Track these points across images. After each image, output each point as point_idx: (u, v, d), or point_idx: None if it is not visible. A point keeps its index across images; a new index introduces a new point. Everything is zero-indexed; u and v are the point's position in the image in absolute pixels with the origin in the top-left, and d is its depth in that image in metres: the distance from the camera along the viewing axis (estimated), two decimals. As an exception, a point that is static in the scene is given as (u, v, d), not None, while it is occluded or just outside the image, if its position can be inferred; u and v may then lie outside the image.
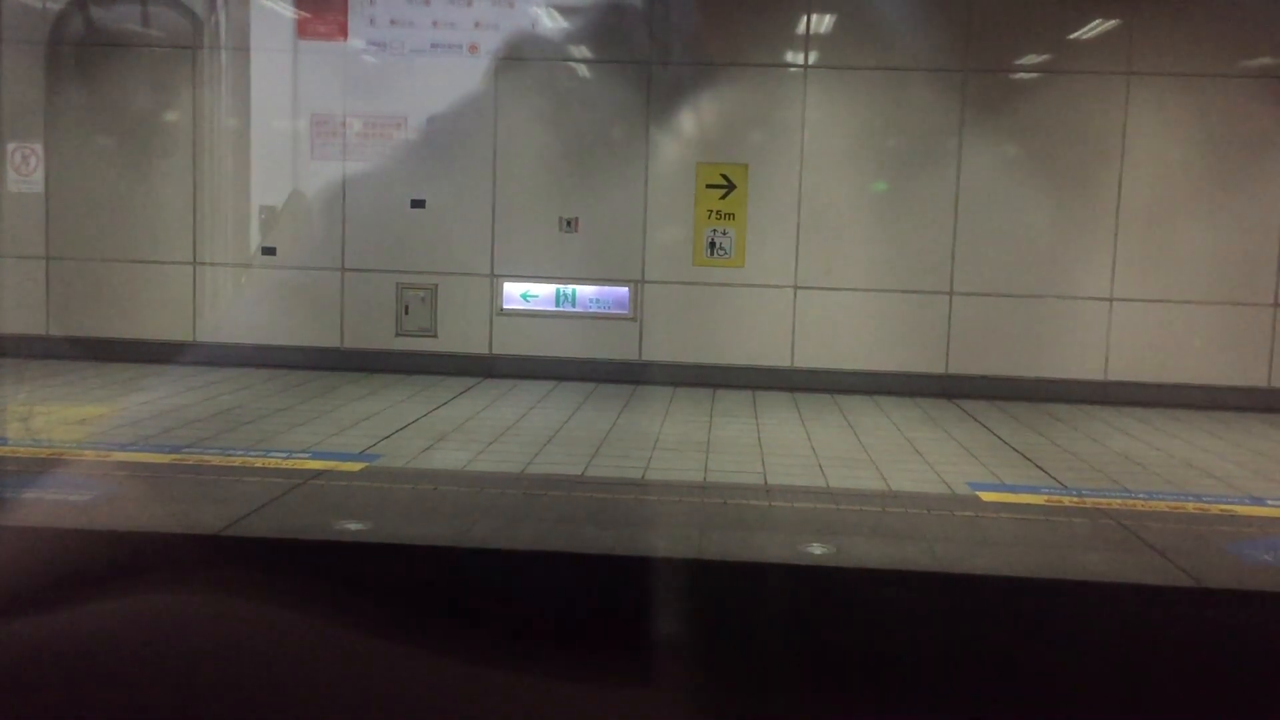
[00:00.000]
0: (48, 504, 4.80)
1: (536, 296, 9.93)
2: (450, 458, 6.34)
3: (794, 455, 6.72)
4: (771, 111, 9.66)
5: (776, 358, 9.79)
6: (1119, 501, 5.69)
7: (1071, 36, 9.43)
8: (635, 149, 9.74)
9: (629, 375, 9.77)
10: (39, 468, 5.61)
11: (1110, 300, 9.53)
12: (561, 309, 9.92)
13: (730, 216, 9.72)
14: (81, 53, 9.87)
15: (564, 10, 9.75)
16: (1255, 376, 9.45)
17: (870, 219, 9.65)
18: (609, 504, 5.28)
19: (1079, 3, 9.37)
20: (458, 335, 9.97)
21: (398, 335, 9.99)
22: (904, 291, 9.67)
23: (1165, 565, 4.44)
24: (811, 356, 9.75)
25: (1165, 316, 9.49)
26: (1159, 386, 9.46)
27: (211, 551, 4.30)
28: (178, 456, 5.97)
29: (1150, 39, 9.30)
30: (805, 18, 9.55)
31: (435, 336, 9.98)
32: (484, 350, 9.97)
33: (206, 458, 5.97)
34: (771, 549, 4.58)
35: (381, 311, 9.98)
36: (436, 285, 9.94)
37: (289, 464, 5.90)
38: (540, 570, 4.13)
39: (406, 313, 9.97)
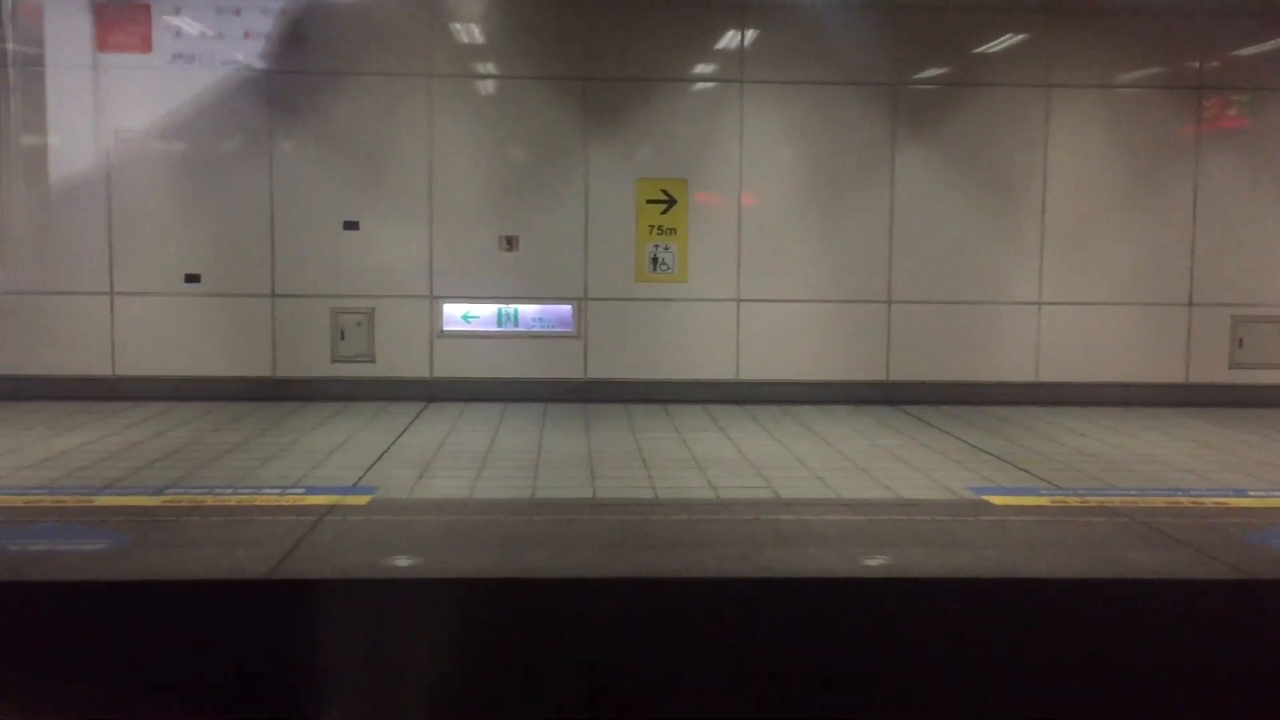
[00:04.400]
0: (63, 556, 4.47)
1: (478, 317, 9.75)
2: (448, 486, 6.16)
3: (785, 468, 6.75)
4: (709, 126, 9.72)
5: (721, 371, 9.83)
6: (1118, 499, 5.89)
7: (994, 50, 9.77)
8: (574, 165, 9.66)
9: (574, 394, 9.67)
10: (24, 517, 5.22)
11: (1039, 304, 9.88)
12: (504, 329, 9.76)
13: (672, 231, 9.73)
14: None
15: (499, 26, 9.60)
16: (1173, 373, 9.93)
17: (810, 230, 9.79)
18: (648, 526, 5.20)
19: (999, 18, 9.70)
20: (397, 359, 9.70)
21: (333, 361, 9.66)
22: (844, 301, 9.83)
23: (1204, 559, 4.61)
24: (756, 368, 9.83)
25: (1089, 318, 9.89)
26: (1085, 386, 9.85)
27: (267, 596, 4.07)
28: (167, 498, 5.64)
29: (1069, 53, 9.70)
30: (739, 32, 9.64)
31: (373, 362, 9.69)
32: (425, 374, 9.73)
33: (198, 498, 5.65)
34: (831, 562, 4.58)
35: (315, 337, 9.64)
36: (374, 309, 9.66)
37: (289, 500, 5.63)
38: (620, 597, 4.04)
39: (342, 338, 9.66)
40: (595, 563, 4.47)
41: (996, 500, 5.86)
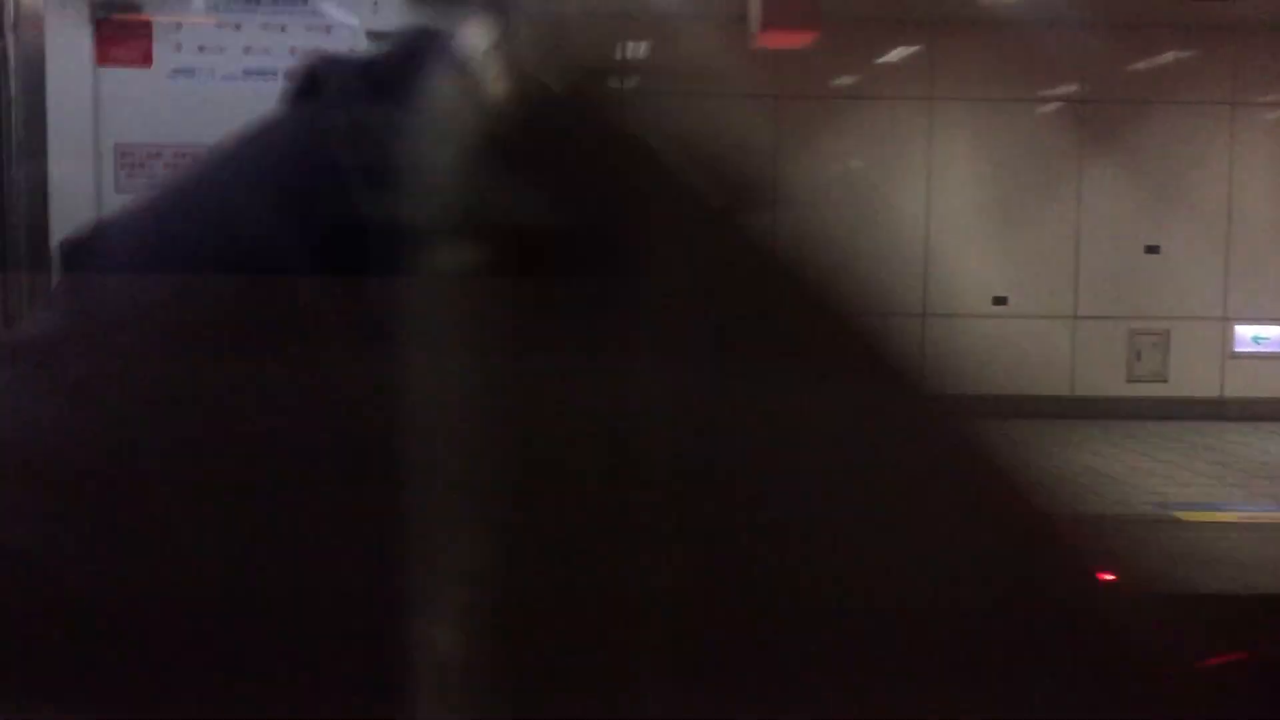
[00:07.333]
0: None
1: (1268, 339, 9.97)
2: None
3: None
4: None
5: None
6: None
7: None
8: (1376, 188, 9.86)
9: (1361, 414, 9.85)
10: None
11: None
12: (1290, 350, 9.98)
13: None
14: None
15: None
16: None
17: None
18: None
19: None
20: (1188, 379, 9.95)
21: (1128, 381, 9.94)
22: None
23: None
24: None
25: None
26: None
27: None
28: None
29: None
30: None
31: (1165, 381, 9.96)
32: (1214, 394, 9.97)
33: None
34: None
35: (1112, 357, 9.93)
36: (1169, 330, 9.93)
37: None
38: None
39: (1138, 358, 9.94)
40: None
41: None
